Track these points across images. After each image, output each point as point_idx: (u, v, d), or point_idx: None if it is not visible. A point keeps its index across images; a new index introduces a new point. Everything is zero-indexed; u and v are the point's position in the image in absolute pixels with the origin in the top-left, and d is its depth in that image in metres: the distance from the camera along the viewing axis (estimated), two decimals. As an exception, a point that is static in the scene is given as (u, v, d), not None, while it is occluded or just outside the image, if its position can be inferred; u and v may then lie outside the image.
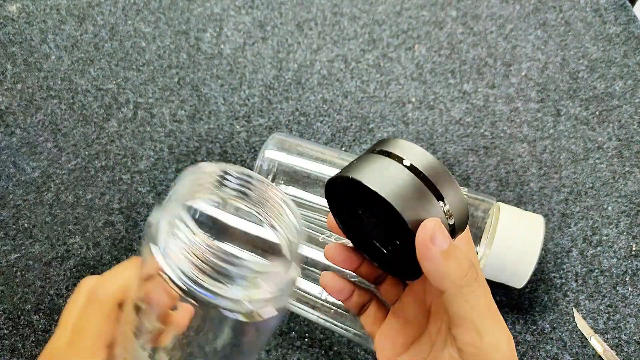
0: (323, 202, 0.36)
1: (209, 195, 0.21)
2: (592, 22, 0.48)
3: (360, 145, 0.43)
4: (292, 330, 0.37)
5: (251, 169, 0.42)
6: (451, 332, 0.22)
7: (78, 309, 0.23)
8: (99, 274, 0.38)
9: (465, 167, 0.42)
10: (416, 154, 0.21)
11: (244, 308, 0.19)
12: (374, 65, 0.46)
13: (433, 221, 0.20)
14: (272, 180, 0.37)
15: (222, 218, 0.22)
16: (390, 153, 0.21)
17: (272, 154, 0.37)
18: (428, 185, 0.20)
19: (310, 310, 0.33)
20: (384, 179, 0.20)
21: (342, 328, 0.33)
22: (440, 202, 0.20)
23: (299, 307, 0.34)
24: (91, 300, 0.23)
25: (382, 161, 0.21)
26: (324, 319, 0.33)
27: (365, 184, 0.20)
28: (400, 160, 0.21)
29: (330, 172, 0.36)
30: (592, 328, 0.36)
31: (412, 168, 0.20)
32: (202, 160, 0.43)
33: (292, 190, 0.36)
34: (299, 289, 0.34)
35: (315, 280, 0.33)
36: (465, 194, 0.35)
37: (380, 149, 0.22)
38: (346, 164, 0.37)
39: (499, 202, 0.35)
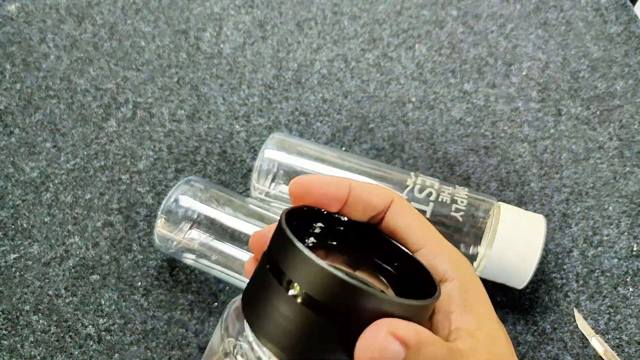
0: None
1: None
2: (593, 21, 0.48)
3: (360, 145, 0.43)
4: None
5: (251, 169, 0.42)
6: None
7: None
8: (97, 274, 0.38)
9: (465, 167, 0.42)
10: (305, 269, 0.15)
11: None
12: (374, 64, 0.46)
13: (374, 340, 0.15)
14: (272, 181, 0.37)
15: None
16: (280, 272, 0.15)
17: (271, 153, 0.37)
18: (328, 317, 0.14)
19: None
20: (278, 328, 0.15)
21: None
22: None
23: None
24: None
25: (271, 294, 0.15)
26: None
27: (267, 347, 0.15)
28: (287, 287, 0.15)
29: (330, 172, 0.36)
30: (593, 329, 0.36)
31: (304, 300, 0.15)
32: (202, 160, 0.43)
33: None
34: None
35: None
36: (466, 194, 0.35)
37: (271, 260, 0.16)
38: (347, 164, 0.37)
39: (499, 202, 0.35)
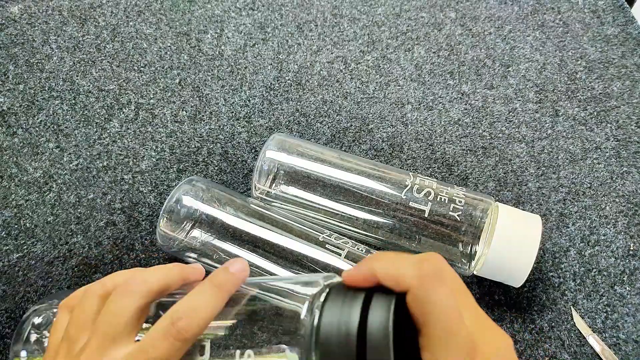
0: (323, 202, 0.36)
1: None
2: (590, 23, 0.48)
3: (360, 146, 0.44)
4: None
5: (252, 169, 0.43)
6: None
7: (113, 299, 0.24)
8: (100, 273, 0.39)
9: (463, 168, 0.42)
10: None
11: None
12: (374, 66, 0.47)
13: None
14: (273, 181, 0.37)
15: None
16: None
17: (272, 154, 0.37)
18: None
19: None
20: None
21: None
22: None
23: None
24: (125, 291, 0.23)
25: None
26: None
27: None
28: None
29: (331, 172, 0.37)
30: (590, 327, 0.36)
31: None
32: (204, 161, 0.43)
33: (293, 190, 0.37)
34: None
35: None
36: (464, 194, 0.35)
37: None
38: (346, 164, 0.38)
39: (497, 202, 0.35)
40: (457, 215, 0.34)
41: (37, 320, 0.30)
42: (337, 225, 0.37)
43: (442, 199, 0.34)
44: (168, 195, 0.36)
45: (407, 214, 0.34)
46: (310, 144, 0.39)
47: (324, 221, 0.37)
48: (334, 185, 0.36)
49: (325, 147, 0.41)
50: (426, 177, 0.36)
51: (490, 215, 0.34)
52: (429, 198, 0.34)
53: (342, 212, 0.36)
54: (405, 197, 0.35)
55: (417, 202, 0.34)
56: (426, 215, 0.34)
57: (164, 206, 0.35)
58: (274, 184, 0.37)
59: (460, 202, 0.34)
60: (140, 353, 0.21)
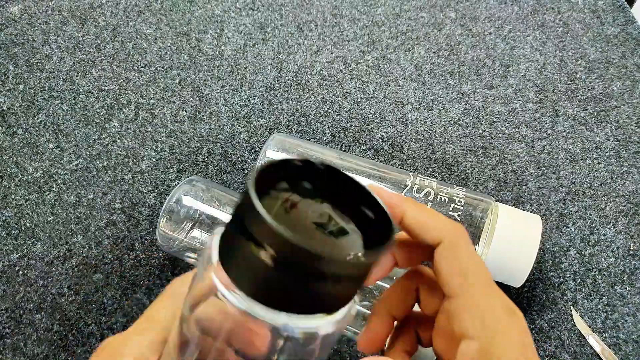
0: None
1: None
2: (590, 23, 0.48)
3: (360, 146, 0.44)
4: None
5: (251, 170, 0.42)
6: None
7: (156, 301, 0.22)
8: (100, 273, 0.39)
9: (463, 167, 0.42)
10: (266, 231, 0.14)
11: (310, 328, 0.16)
12: (374, 66, 0.47)
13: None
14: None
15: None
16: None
17: (272, 154, 0.37)
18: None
19: None
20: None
21: None
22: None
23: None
24: (166, 294, 0.22)
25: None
26: None
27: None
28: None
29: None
30: (590, 327, 0.36)
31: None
32: (203, 161, 0.43)
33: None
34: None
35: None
36: (464, 194, 0.35)
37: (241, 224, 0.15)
38: (346, 164, 0.38)
39: (497, 202, 0.35)
40: (457, 215, 0.34)
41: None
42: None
43: (442, 199, 0.34)
44: (168, 195, 0.36)
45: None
46: (310, 144, 0.39)
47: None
48: None
49: (325, 147, 0.41)
50: (426, 177, 0.36)
51: (490, 215, 0.34)
52: (428, 198, 0.34)
53: None
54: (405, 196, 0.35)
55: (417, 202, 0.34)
56: None
57: (164, 206, 0.35)
58: None
59: (460, 202, 0.34)
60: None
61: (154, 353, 0.19)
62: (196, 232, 0.35)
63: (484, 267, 0.20)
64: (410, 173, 0.36)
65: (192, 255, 0.36)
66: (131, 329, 0.21)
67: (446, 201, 0.34)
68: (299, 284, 0.14)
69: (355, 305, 0.17)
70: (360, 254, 0.15)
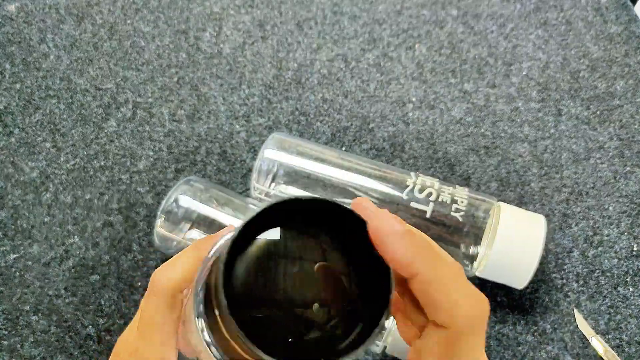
0: None
1: None
2: (593, 21, 0.48)
3: (360, 145, 0.43)
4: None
5: (251, 169, 0.42)
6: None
7: (144, 300, 0.23)
8: (97, 274, 0.38)
9: (466, 167, 0.42)
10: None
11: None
12: (374, 64, 0.46)
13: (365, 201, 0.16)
14: (272, 181, 0.37)
15: None
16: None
17: (271, 153, 0.37)
18: None
19: None
20: None
21: None
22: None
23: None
24: (152, 291, 0.22)
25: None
26: None
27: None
28: None
29: (331, 172, 0.36)
30: (593, 329, 0.36)
31: None
32: (202, 160, 0.43)
33: (292, 190, 0.36)
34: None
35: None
36: (466, 194, 0.35)
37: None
38: (347, 164, 0.37)
39: (500, 202, 0.35)
40: (460, 216, 0.33)
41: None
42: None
43: (444, 200, 0.34)
44: (166, 195, 0.35)
45: (409, 215, 0.34)
46: (310, 143, 0.38)
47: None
48: (334, 185, 0.36)
49: (326, 146, 0.40)
50: (428, 177, 0.36)
51: (493, 216, 0.33)
52: (430, 198, 0.34)
53: None
54: (406, 197, 0.34)
55: (419, 202, 0.34)
56: (428, 216, 0.34)
57: (161, 206, 0.35)
58: (273, 184, 0.37)
59: (462, 202, 0.34)
60: (136, 319, 0.22)
61: (171, 353, 0.21)
62: (194, 233, 0.35)
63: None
64: (411, 173, 0.36)
65: None
66: (137, 337, 0.22)
67: (448, 201, 0.34)
68: None
69: None
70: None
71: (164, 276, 0.22)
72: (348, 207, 0.16)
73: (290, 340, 0.15)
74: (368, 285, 0.16)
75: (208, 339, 0.17)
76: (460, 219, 0.33)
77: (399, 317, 0.20)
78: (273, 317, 0.15)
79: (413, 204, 0.34)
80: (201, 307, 0.17)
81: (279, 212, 0.16)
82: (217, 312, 0.15)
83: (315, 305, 0.15)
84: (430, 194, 0.34)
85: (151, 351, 0.21)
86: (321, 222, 0.16)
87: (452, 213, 0.33)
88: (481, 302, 0.17)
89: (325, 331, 0.15)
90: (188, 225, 0.35)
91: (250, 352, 0.14)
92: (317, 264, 0.16)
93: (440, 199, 0.34)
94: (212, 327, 0.16)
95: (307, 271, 0.16)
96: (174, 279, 0.22)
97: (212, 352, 0.17)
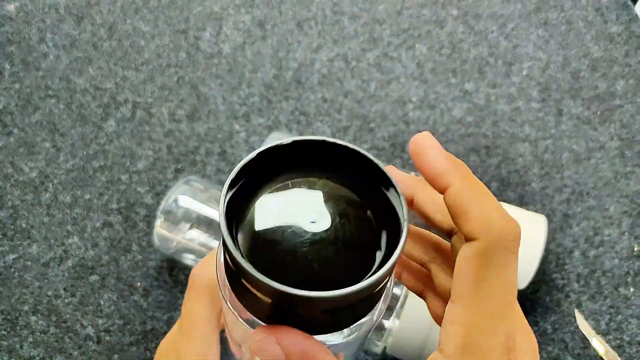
0: None
1: None
2: (593, 21, 0.47)
3: (361, 145, 0.43)
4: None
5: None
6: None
7: (185, 298, 0.22)
8: (97, 275, 0.38)
9: (466, 167, 0.42)
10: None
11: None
12: (375, 64, 0.46)
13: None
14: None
15: None
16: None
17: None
18: None
19: None
20: None
21: None
22: None
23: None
24: (192, 287, 0.22)
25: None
26: None
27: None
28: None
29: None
30: (594, 329, 0.36)
31: None
32: (201, 160, 0.42)
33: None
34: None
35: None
36: None
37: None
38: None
39: (500, 202, 0.35)
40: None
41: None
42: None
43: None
44: (165, 195, 0.35)
45: (410, 217, 0.34)
46: None
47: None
48: None
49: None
50: None
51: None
52: None
53: None
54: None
55: None
56: None
57: (160, 206, 0.35)
58: None
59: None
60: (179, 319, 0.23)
61: (211, 350, 0.21)
62: (194, 233, 0.35)
63: (508, 283, 0.16)
64: (412, 173, 0.36)
65: (190, 256, 0.35)
66: (178, 333, 0.22)
67: None
68: (297, 317, 0.15)
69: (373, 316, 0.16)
70: (355, 286, 0.13)
71: (204, 271, 0.22)
72: (349, 144, 0.16)
73: (308, 272, 0.15)
74: (381, 218, 0.16)
75: (231, 306, 0.16)
76: None
77: (429, 295, 0.19)
78: (286, 256, 0.15)
79: None
80: (225, 281, 0.17)
81: (275, 155, 0.16)
82: (234, 271, 0.15)
83: (330, 239, 0.15)
84: None
85: (192, 346, 0.21)
86: (323, 163, 0.16)
87: None
88: (514, 222, 0.16)
89: (343, 263, 0.15)
90: (188, 226, 0.35)
91: (268, 290, 0.14)
92: (327, 194, 0.16)
93: None
94: (238, 293, 0.16)
95: (315, 205, 0.15)
96: (213, 273, 0.20)
97: (239, 319, 0.16)
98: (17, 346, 0.36)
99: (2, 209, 0.40)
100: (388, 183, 0.15)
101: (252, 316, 0.16)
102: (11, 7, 0.49)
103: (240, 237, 0.15)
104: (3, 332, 0.36)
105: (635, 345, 0.36)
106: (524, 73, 0.45)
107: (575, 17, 0.48)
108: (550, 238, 0.39)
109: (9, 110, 0.44)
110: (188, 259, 0.36)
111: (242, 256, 0.14)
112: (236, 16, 0.48)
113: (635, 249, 0.38)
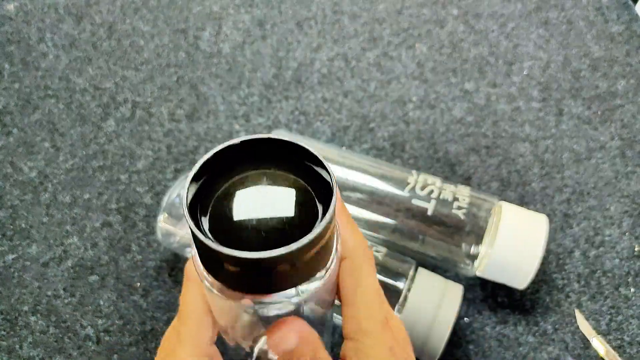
0: None
1: None
2: (594, 20, 0.47)
3: (361, 145, 0.43)
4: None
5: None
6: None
7: (182, 290, 0.24)
8: (96, 275, 0.38)
9: (466, 167, 0.42)
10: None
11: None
12: (375, 64, 0.46)
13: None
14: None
15: None
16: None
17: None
18: None
19: None
20: None
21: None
22: None
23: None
24: (187, 278, 0.24)
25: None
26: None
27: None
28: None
29: (332, 167, 0.36)
30: (594, 329, 0.36)
31: None
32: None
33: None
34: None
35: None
36: (468, 193, 0.34)
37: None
38: (347, 162, 0.37)
39: (501, 201, 0.35)
40: (461, 214, 0.33)
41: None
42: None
43: (446, 197, 0.34)
44: (165, 195, 0.35)
45: (410, 213, 0.34)
46: (310, 141, 0.38)
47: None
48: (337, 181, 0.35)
49: (326, 144, 0.40)
50: (429, 175, 0.35)
51: (495, 215, 0.33)
52: (431, 196, 0.34)
53: None
54: (407, 194, 0.34)
55: (420, 199, 0.34)
56: (429, 214, 0.33)
57: (163, 201, 0.35)
58: None
59: (464, 200, 0.34)
60: None
61: (206, 343, 0.23)
62: None
63: (373, 282, 0.23)
64: (413, 171, 0.36)
65: (193, 250, 0.35)
66: (177, 322, 0.24)
67: (450, 199, 0.34)
68: (254, 278, 0.17)
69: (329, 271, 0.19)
70: (298, 243, 0.16)
71: (197, 263, 0.23)
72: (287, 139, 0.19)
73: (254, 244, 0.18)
74: (318, 192, 0.19)
75: (209, 284, 0.19)
76: (462, 217, 0.33)
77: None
78: (242, 231, 0.18)
79: (414, 201, 0.34)
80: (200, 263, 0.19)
81: (229, 155, 0.19)
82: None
83: (274, 217, 0.18)
84: (431, 191, 0.34)
85: (187, 327, 0.23)
86: (270, 156, 0.20)
87: (453, 211, 0.33)
88: (363, 239, 0.23)
89: (289, 230, 0.18)
90: None
91: (233, 260, 0.16)
92: (274, 180, 0.19)
93: (441, 197, 0.34)
94: (207, 267, 0.19)
95: (266, 189, 0.19)
96: None
97: (214, 291, 0.19)
98: (17, 346, 0.36)
99: (1, 208, 0.40)
100: (321, 164, 0.19)
101: (232, 292, 0.19)
102: (11, 7, 0.49)
103: (203, 220, 0.18)
104: (2, 332, 0.36)
105: (636, 346, 0.35)
106: (524, 73, 0.45)
107: (575, 16, 0.48)
108: (551, 238, 0.39)
109: (8, 110, 0.44)
110: (191, 253, 0.36)
111: (203, 233, 0.17)
112: (236, 16, 0.48)
113: (636, 249, 0.38)
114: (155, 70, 0.46)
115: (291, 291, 0.18)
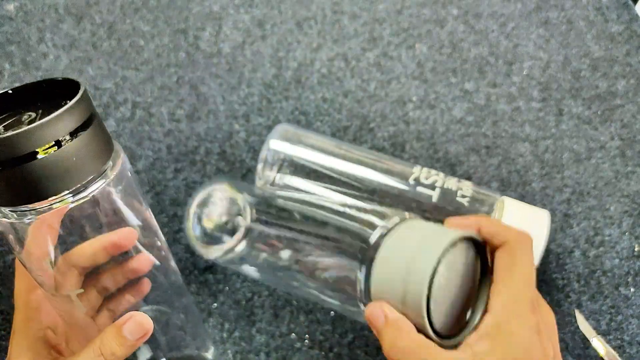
0: (327, 192, 0.36)
1: None
2: (594, 20, 0.47)
3: (361, 145, 0.43)
4: (292, 331, 0.37)
5: (250, 169, 0.42)
6: None
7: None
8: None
9: (466, 167, 0.42)
10: None
11: None
12: (375, 64, 0.46)
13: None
14: (278, 171, 0.37)
15: None
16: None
17: (277, 144, 0.37)
18: None
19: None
20: None
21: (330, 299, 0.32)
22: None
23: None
24: (16, 273, 0.27)
25: None
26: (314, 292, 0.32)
27: None
28: None
29: (336, 163, 0.36)
30: (594, 329, 0.36)
31: None
32: (201, 160, 0.42)
33: (298, 181, 0.36)
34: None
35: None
36: (471, 187, 0.35)
37: None
38: (352, 155, 0.37)
39: (504, 197, 0.35)
40: (466, 202, 0.34)
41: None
42: (345, 214, 0.37)
43: (450, 187, 0.34)
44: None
45: (414, 201, 0.34)
46: (316, 135, 0.39)
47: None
48: (340, 176, 0.36)
49: (331, 138, 0.40)
50: (432, 170, 0.36)
51: (497, 210, 0.33)
52: (436, 184, 0.34)
53: (350, 203, 0.36)
54: (412, 182, 0.35)
55: (425, 187, 0.35)
56: (434, 200, 0.34)
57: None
58: (278, 174, 0.37)
59: (466, 195, 0.34)
60: None
61: (34, 334, 0.26)
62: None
63: (527, 267, 0.26)
64: (417, 165, 0.36)
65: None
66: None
67: (454, 189, 0.34)
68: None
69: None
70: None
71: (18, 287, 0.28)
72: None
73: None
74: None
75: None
76: (466, 204, 0.33)
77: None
78: None
79: (419, 189, 0.34)
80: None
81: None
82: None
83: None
84: (436, 180, 0.35)
85: (17, 325, 0.26)
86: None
87: (457, 199, 0.33)
88: (525, 232, 0.28)
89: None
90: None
91: None
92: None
93: (445, 186, 0.34)
94: None
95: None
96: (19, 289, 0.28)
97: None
98: (17, 346, 0.36)
99: (1, 209, 0.40)
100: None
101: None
102: (10, 7, 0.49)
103: None
104: (2, 332, 0.36)
105: (636, 346, 0.35)
106: (524, 73, 0.45)
107: (575, 16, 0.48)
108: (551, 238, 0.39)
109: (8, 110, 0.44)
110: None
111: None
112: (236, 16, 0.48)
113: (636, 249, 0.38)
114: (155, 70, 0.46)
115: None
